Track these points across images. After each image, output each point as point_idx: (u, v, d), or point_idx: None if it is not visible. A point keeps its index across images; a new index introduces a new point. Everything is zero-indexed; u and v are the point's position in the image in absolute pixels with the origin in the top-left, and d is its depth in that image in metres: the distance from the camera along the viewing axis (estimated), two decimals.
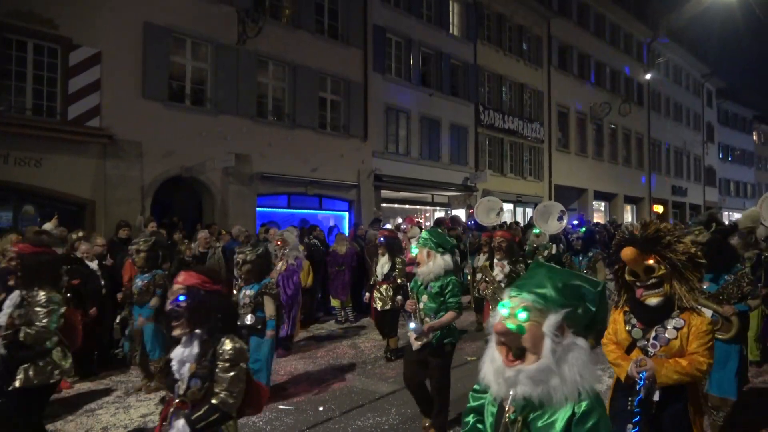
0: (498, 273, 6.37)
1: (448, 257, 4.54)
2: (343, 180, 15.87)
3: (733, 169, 41.87)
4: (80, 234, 7.75)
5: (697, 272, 2.82)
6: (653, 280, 2.84)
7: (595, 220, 24.78)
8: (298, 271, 7.84)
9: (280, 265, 7.48)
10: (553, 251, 9.97)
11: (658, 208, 32.02)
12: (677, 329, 2.78)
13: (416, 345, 4.44)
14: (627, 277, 2.98)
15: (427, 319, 4.50)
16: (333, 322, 10.03)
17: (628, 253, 2.87)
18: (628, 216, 30.18)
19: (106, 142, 11.07)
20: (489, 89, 21.84)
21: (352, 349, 8.06)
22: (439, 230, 5.34)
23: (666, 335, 2.79)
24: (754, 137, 46.41)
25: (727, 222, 10.21)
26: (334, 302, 10.15)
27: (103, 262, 7.23)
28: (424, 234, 4.77)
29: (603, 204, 29.11)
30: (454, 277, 4.56)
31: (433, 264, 4.48)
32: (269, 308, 5.37)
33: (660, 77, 32.30)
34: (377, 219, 14.22)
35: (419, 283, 4.66)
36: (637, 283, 2.90)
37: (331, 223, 15.07)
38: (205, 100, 13.14)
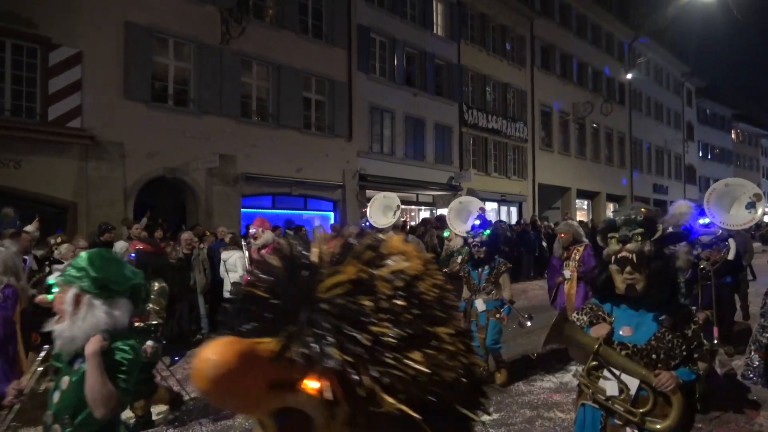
0: None
1: (119, 306, 2.28)
2: (328, 180, 15.86)
3: (712, 167, 42.59)
4: (59, 239, 7.68)
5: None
6: None
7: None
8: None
9: None
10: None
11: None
12: None
13: None
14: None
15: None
16: None
17: None
18: (610, 214, 30.49)
19: (88, 143, 10.94)
20: (473, 89, 21.96)
21: None
22: (109, 255, 2.55)
23: None
24: (733, 136, 47.27)
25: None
26: None
27: None
28: (75, 261, 2.35)
29: (586, 202, 29.43)
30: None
31: (81, 319, 2.18)
32: None
33: (641, 77, 32.73)
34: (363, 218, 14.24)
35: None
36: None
37: (317, 224, 15.05)
38: (188, 101, 13.05)
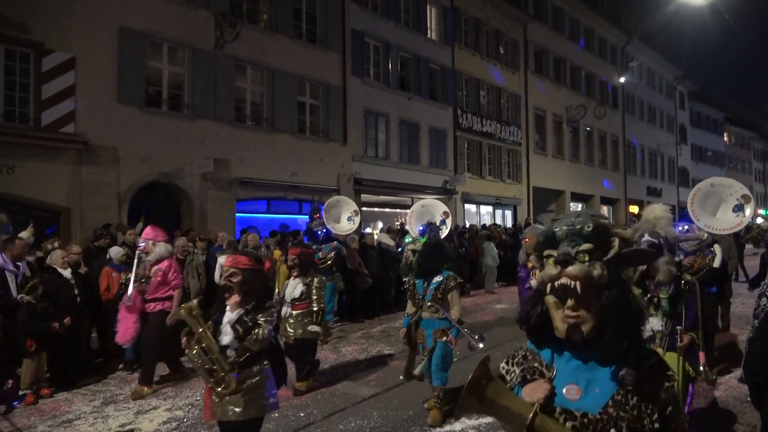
0: (291, 292, 6.16)
1: None
2: (323, 184, 15.86)
3: (705, 169, 42.83)
4: (55, 244, 7.65)
5: None
6: None
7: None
8: None
9: None
10: None
11: (634, 209, 32.60)
12: None
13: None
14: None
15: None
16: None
17: None
18: None
19: (81, 149, 10.91)
20: (467, 93, 22.04)
21: (333, 353, 8.06)
22: None
23: None
24: (725, 138, 47.60)
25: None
26: None
27: (78, 271, 7.12)
28: None
29: (580, 205, 29.53)
30: None
31: None
32: None
33: (634, 80, 32.92)
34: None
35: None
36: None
37: None
38: (182, 105, 13.03)
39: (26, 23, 10.33)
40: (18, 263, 6.50)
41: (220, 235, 10.46)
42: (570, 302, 1.57)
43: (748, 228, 19.83)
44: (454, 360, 5.28)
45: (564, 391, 1.63)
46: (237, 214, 13.92)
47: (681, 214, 6.22)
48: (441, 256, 5.26)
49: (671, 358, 3.55)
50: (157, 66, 12.67)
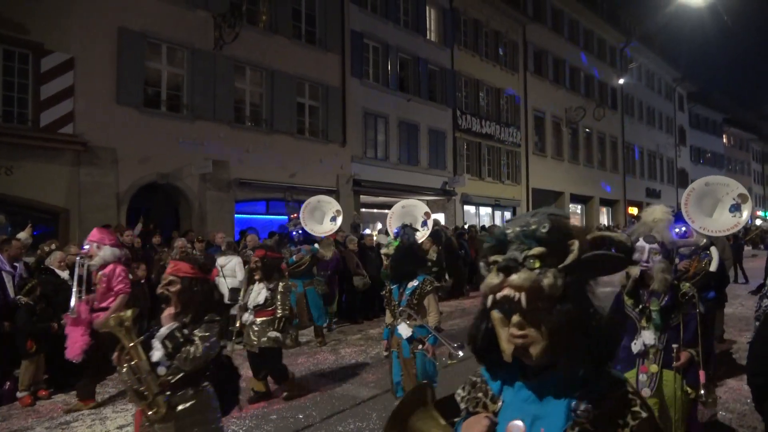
0: (254, 298, 5.73)
1: None
2: (322, 185, 15.82)
3: (704, 171, 42.79)
4: (53, 246, 7.63)
5: None
6: None
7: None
8: None
9: None
10: None
11: (633, 210, 32.63)
12: None
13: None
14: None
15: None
16: (313, 328, 9.98)
17: None
18: (603, 218, 30.68)
19: (80, 149, 10.90)
20: (466, 94, 22.04)
21: (332, 354, 8.03)
22: None
23: None
24: (724, 140, 47.67)
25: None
26: None
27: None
28: None
29: (579, 207, 29.55)
30: None
31: None
32: None
33: (633, 82, 32.95)
34: (356, 224, 14.23)
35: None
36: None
37: None
38: (181, 106, 13.02)
39: (25, 24, 10.32)
40: (15, 264, 6.48)
41: (218, 236, 10.44)
42: (515, 318, 1.28)
43: (747, 229, 19.78)
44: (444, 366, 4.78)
45: (506, 429, 1.33)
46: (236, 215, 13.90)
47: (675, 215, 5.48)
48: (415, 259, 4.91)
49: (668, 377, 3.32)
50: (156, 67, 12.65)
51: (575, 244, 1.31)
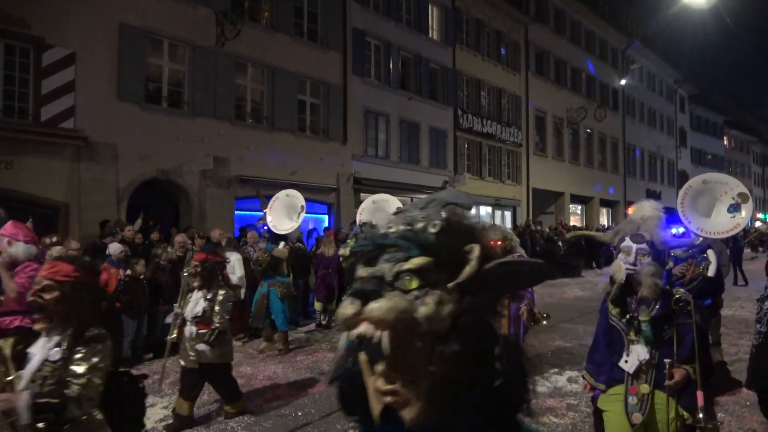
0: (192, 307, 5.05)
1: None
2: (323, 183, 15.84)
3: (705, 172, 42.63)
4: (53, 239, 7.62)
5: None
6: None
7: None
8: None
9: None
10: None
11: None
12: None
13: None
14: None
15: None
16: (313, 326, 9.99)
17: None
18: (603, 219, 30.67)
19: (81, 145, 10.88)
20: (467, 93, 22.02)
21: (331, 352, 8.02)
22: None
23: None
24: (725, 142, 47.68)
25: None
26: (317, 305, 10.10)
27: None
28: None
29: (579, 207, 29.55)
30: None
31: None
32: None
33: (634, 83, 32.93)
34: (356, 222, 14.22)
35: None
36: None
37: (311, 227, 15.00)
38: (182, 103, 13.00)
39: (26, 18, 10.30)
40: None
41: (215, 233, 10.34)
42: (379, 367, 0.87)
43: (746, 231, 19.76)
44: None
45: None
46: (236, 212, 13.89)
47: (670, 215, 4.88)
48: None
49: (660, 399, 2.83)
50: (158, 63, 12.63)
51: (475, 251, 0.90)
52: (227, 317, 5.07)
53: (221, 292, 5.11)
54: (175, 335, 5.17)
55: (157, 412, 5.59)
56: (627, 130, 32.37)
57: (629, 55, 32.79)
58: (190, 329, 5.04)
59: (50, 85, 10.58)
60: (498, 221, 23.02)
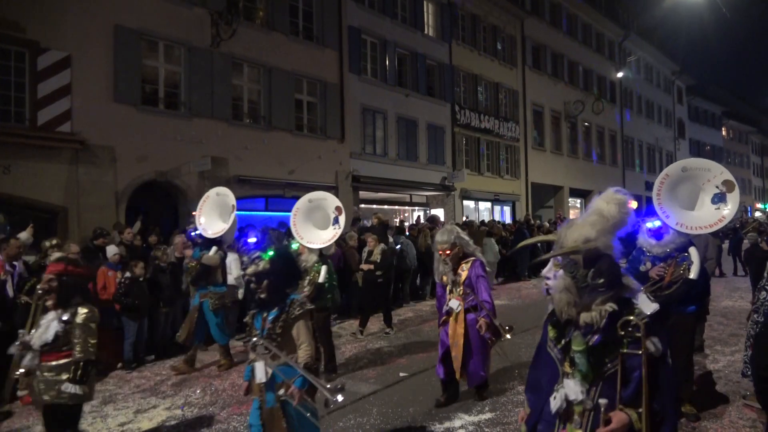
0: (42, 333, 3.84)
1: None
2: (321, 182, 15.80)
3: None
4: (54, 242, 7.61)
5: None
6: None
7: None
8: None
9: None
10: (323, 276, 6.31)
11: (633, 204, 32.63)
12: None
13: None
14: None
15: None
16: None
17: None
18: None
19: (78, 148, 10.86)
20: (464, 89, 22.00)
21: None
22: None
23: None
24: (723, 133, 47.67)
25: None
26: None
27: None
28: None
29: (579, 201, 29.56)
30: None
31: None
32: None
33: (631, 75, 32.91)
34: (357, 219, 14.22)
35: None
36: None
37: None
38: (178, 104, 12.98)
39: (21, 22, 10.26)
40: (14, 263, 6.47)
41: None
42: None
43: (743, 224, 19.69)
44: (322, 415, 3.91)
45: None
46: (235, 212, 13.84)
47: (646, 208, 4.59)
48: (294, 274, 3.66)
49: None
50: (154, 64, 12.61)
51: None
52: (92, 342, 3.89)
53: (83, 311, 3.90)
54: (22, 371, 3.95)
55: (159, 413, 5.60)
56: (625, 123, 32.36)
57: (626, 48, 32.77)
58: (30, 360, 3.88)
59: (46, 89, 10.55)
60: (497, 216, 23.05)
